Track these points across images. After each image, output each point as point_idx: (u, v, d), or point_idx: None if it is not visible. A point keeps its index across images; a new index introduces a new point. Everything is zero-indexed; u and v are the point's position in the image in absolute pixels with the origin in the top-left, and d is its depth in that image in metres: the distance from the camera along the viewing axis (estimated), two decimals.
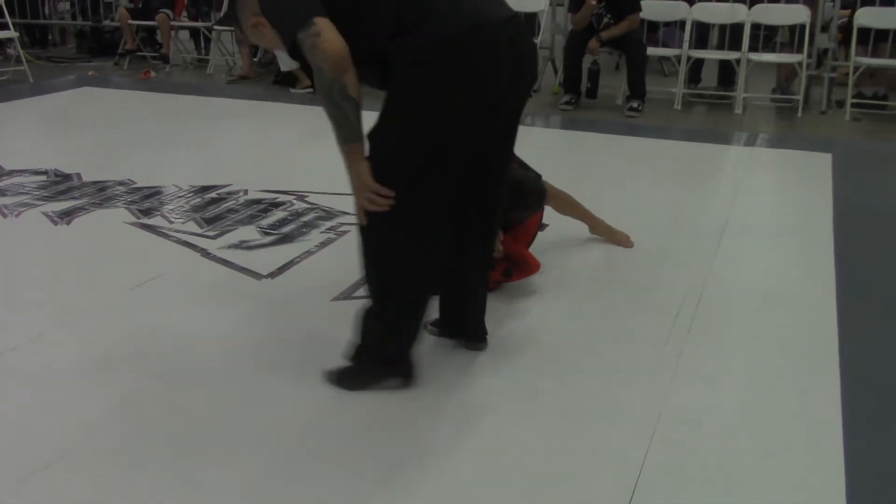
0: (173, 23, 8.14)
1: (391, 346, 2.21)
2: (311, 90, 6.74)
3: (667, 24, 7.05)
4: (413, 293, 2.17)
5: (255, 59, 7.72)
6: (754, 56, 6.35)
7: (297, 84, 6.80)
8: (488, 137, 2.13)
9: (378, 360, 2.23)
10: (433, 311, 2.35)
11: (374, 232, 2.09)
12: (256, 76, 7.51)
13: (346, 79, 1.91)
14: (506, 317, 2.69)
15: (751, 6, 6.45)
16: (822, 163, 4.73)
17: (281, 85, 7.03)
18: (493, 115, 2.08)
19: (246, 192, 4.00)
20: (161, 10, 7.96)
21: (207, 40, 8.35)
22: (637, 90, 6.19)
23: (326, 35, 1.88)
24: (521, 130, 2.28)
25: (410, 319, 2.19)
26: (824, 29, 6.48)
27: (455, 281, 2.34)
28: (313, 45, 1.89)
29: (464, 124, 2.02)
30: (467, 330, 2.45)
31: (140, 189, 4.05)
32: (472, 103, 2.01)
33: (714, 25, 6.93)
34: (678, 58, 6.54)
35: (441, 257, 2.18)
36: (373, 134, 2.04)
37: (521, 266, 2.86)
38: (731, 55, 6.47)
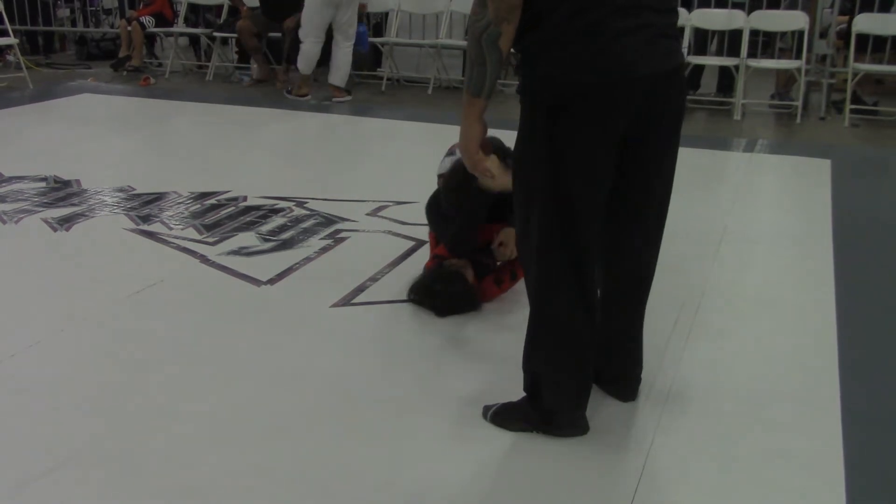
0: (173, 29, 8.15)
1: (545, 398, 2.06)
2: (307, 97, 6.73)
3: None
4: (557, 339, 2.02)
5: (280, 66, 7.52)
6: (753, 62, 6.36)
7: (294, 90, 6.79)
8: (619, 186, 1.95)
9: (535, 407, 2.09)
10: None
11: (527, 271, 2.04)
12: (271, 79, 7.44)
13: (505, 28, 1.78)
14: (502, 326, 2.69)
15: (749, 12, 6.47)
16: (820, 169, 4.73)
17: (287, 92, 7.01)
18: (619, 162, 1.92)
19: (245, 198, 4.01)
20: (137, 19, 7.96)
21: (209, 48, 8.34)
22: None
23: None
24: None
25: (561, 371, 2.04)
26: (822, 35, 6.49)
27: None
28: None
29: (582, 165, 1.86)
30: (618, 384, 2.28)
31: (139, 195, 4.05)
32: (590, 145, 1.86)
33: (713, 32, 6.94)
34: None
35: (587, 311, 2.01)
36: (516, 162, 1.94)
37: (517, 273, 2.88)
38: (729, 61, 6.48)
